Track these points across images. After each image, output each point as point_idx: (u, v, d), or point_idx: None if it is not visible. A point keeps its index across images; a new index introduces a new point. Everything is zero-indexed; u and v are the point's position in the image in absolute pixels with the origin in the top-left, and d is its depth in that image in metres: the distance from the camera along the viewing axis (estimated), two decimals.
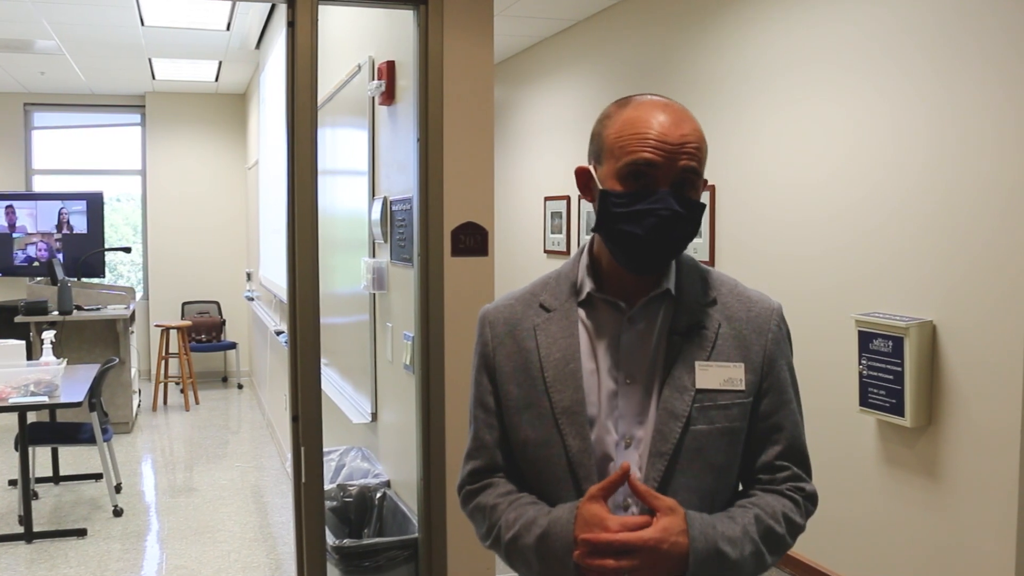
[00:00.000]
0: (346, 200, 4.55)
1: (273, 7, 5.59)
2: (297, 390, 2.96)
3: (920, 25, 3.18)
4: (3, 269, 8.76)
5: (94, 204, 8.95)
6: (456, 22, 2.99)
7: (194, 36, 6.57)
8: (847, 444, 3.52)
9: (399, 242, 3.44)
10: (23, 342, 5.17)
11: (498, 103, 7.18)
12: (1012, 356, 2.85)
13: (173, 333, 8.43)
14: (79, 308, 6.94)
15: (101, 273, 8.88)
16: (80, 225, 8.92)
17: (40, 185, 9.36)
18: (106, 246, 8.99)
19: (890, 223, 3.31)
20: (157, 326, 8.65)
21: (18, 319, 6.70)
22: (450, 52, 2.99)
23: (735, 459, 1.38)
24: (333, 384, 4.67)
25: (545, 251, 6.53)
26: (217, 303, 9.54)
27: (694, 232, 1.35)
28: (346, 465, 4.04)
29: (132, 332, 7.48)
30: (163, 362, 8.26)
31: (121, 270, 10.09)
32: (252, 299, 8.30)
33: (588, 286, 1.40)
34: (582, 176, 1.41)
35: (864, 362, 3.31)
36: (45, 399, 4.70)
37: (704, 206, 1.36)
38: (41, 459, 5.59)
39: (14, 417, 4.85)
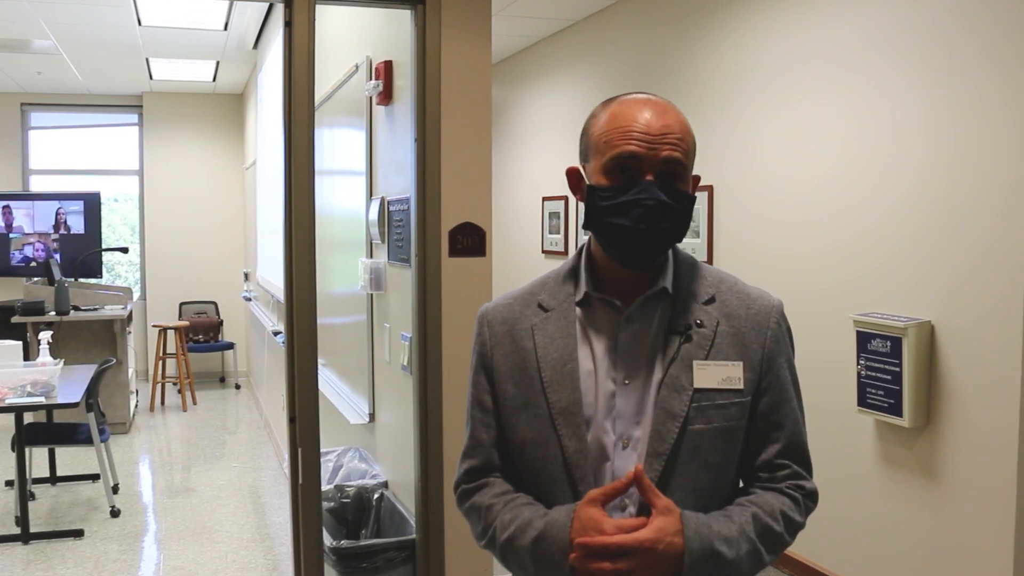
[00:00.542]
0: (343, 200, 4.54)
1: (270, 7, 5.58)
2: (294, 391, 2.95)
3: (919, 25, 3.17)
4: (0, 269, 8.74)
5: (91, 204, 8.94)
6: (454, 22, 2.98)
7: (191, 36, 6.56)
8: (845, 444, 3.52)
9: (396, 242, 3.43)
10: (20, 342, 5.15)
11: (496, 103, 7.18)
12: (1010, 356, 2.85)
13: (171, 333, 8.42)
14: (76, 308, 6.93)
15: (98, 273, 8.87)
16: (77, 225, 8.91)
17: (37, 185, 9.34)
18: (103, 246, 8.97)
19: (889, 223, 3.31)
20: (155, 326, 8.63)
21: (15, 319, 6.68)
22: (448, 52, 2.98)
23: (733, 458, 1.38)
24: (331, 385, 4.66)
25: (543, 251, 6.52)
26: (215, 303, 9.53)
27: (684, 225, 1.35)
28: (344, 466, 4.03)
29: (129, 332, 7.47)
30: (160, 362, 8.25)
31: (118, 270, 10.07)
32: (249, 299, 8.29)
33: (585, 286, 1.40)
34: (573, 176, 1.43)
35: (862, 362, 3.31)
36: (42, 400, 4.69)
37: (694, 199, 1.36)
38: (38, 460, 5.57)
39: (11, 418, 4.84)
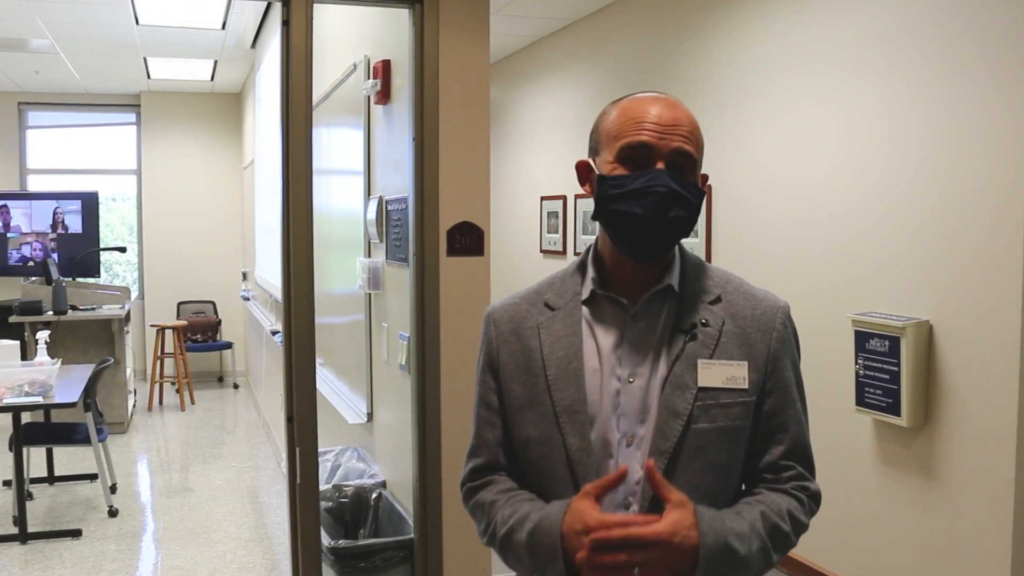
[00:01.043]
0: (341, 199, 4.54)
1: (268, 6, 5.58)
2: (292, 390, 2.95)
3: (918, 25, 3.18)
4: None
5: (89, 204, 8.93)
6: (452, 21, 2.98)
7: (189, 35, 6.56)
8: (843, 444, 3.52)
9: (395, 242, 3.43)
10: (17, 342, 5.15)
11: (494, 102, 7.18)
12: (1008, 355, 2.85)
13: (169, 333, 8.41)
14: (74, 308, 6.92)
15: (96, 273, 8.86)
16: (75, 225, 8.90)
17: (35, 184, 9.33)
18: (101, 246, 8.97)
19: (887, 223, 3.31)
20: (152, 326, 8.63)
21: (12, 319, 6.67)
22: (446, 51, 2.98)
23: (737, 458, 1.38)
24: (329, 384, 4.66)
25: (541, 251, 6.52)
26: (213, 303, 9.52)
27: (694, 217, 1.36)
28: (342, 465, 4.03)
29: (127, 332, 7.46)
30: (159, 362, 8.24)
31: (116, 270, 10.06)
32: (248, 299, 8.29)
33: (592, 284, 1.41)
34: (582, 169, 1.44)
35: (860, 362, 3.31)
36: (40, 399, 4.69)
37: (703, 193, 1.38)
38: (36, 459, 5.57)
39: (8, 417, 4.83)
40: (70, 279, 7.41)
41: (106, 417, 6.24)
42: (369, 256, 3.89)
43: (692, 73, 4.52)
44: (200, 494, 5.53)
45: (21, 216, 8.81)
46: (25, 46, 6.84)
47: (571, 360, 1.37)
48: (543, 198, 6.46)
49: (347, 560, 3.15)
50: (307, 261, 2.92)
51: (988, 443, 2.93)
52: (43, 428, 5.38)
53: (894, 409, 3.19)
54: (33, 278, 7.71)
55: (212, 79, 8.59)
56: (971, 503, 3.00)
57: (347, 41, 4.34)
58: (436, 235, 3.01)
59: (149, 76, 8.34)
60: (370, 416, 3.94)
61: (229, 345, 9.21)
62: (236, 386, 9.15)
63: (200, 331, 9.17)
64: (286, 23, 2.87)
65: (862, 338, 3.29)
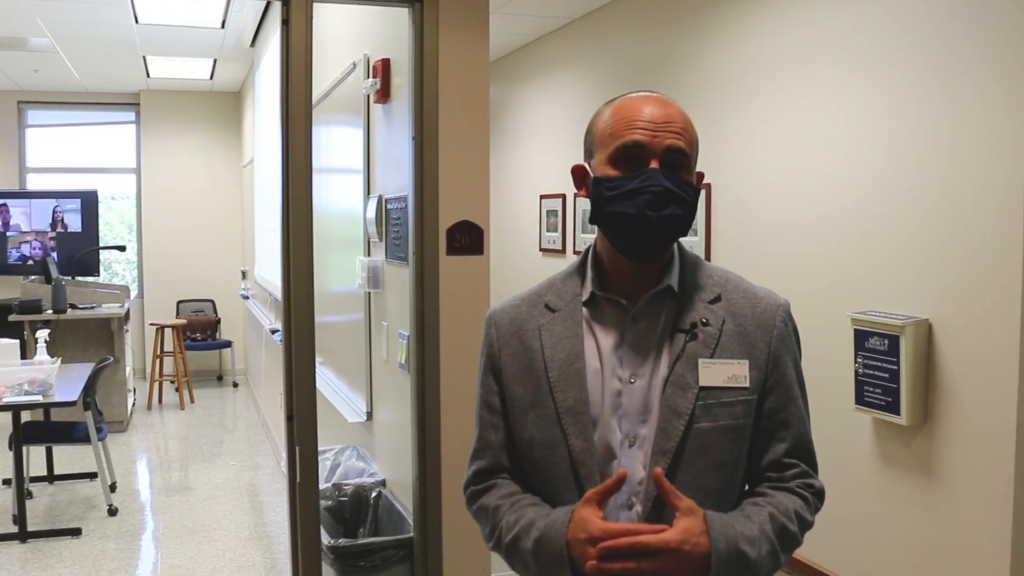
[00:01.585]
0: (341, 198, 4.54)
1: (268, 5, 5.57)
2: (292, 389, 2.95)
3: (916, 24, 3.18)
4: None
5: (88, 202, 8.93)
6: (451, 20, 2.98)
7: (189, 34, 6.55)
8: (843, 443, 3.52)
9: (394, 240, 3.43)
10: (17, 341, 5.15)
11: (493, 101, 7.17)
12: (1008, 354, 2.85)
13: (168, 331, 8.41)
14: (73, 307, 6.92)
15: (96, 271, 8.86)
16: (74, 223, 8.89)
17: (34, 183, 9.33)
18: (101, 244, 8.96)
19: (886, 221, 3.31)
20: (152, 324, 8.63)
21: (12, 318, 6.67)
22: (445, 50, 2.98)
23: (740, 457, 1.38)
24: (328, 383, 4.66)
25: (541, 249, 6.52)
26: (212, 301, 9.52)
27: (690, 215, 1.36)
28: (341, 464, 4.03)
29: (127, 331, 7.46)
30: (158, 361, 8.24)
31: (116, 268, 10.06)
32: (247, 297, 8.28)
33: (591, 285, 1.41)
34: (577, 173, 1.44)
35: (860, 360, 3.31)
36: (39, 398, 4.69)
37: (699, 190, 1.38)
38: (35, 458, 5.57)
39: (8, 416, 4.83)
40: (69, 278, 7.41)
41: (106, 416, 6.24)
42: (369, 255, 3.89)
43: (692, 72, 4.52)
44: (200, 493, 5.53)
45: (20, 215, 8.81)
46: (24, 45, 6.84)
47: (573, 361, 1.38)
48: (542, 197, 6.46)
49: (347, 559, 3.15)
50: (307, 260, 2.92)
51: (988, 442, 2.93)
52: (43, 427, 5.39)
53: (893, 408, 3.19)
54: (32, 277, 7.71)
55: (211, 78, 8.59)
56: (971, 502, 3.00)
57: (346, 40, 4.34)
58: (436, 234, 3.01)
59: (148, 75, 8.33)
60: (370, 415, 3.94)
61: (228, 344, 9.21)
62: (235, 385, 9.15)
63: (199, 330, 9.17)
64: (286, 22, 2.86)
65: (861, 337, 3.29)
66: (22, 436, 4.79)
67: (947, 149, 3.05)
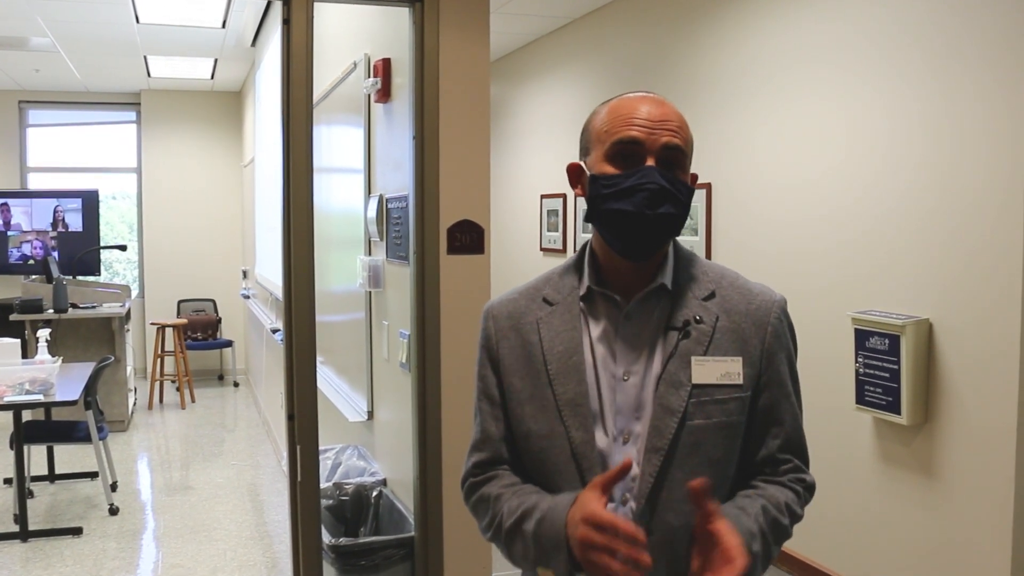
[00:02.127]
0: (342, 198, 4.54)
1: (268, 5, 5.57)
2: (293, 388, 2.95)
3: (916, 24, 3.18)
4: None
5: (89, 202, 8.93)
6: (452, 20, 2.98)
7: (189, 33, 6.56)
8: (843, 442, 3.52)
9: (395, 240, 3.43)
10: (18, 340, 5.15)
11: (494, 101, 7.18)
12: (1008, 354, 2.85)
13: (169, 331, 8.42)
14: (74, 306, 6.92)
15: (97, 271, 8.86)
16: (75, 223, 8.90)
17: (35, 183, 9.33)
18: (102, 244, 8.97)
19: (887, 221, 3.31)
20: (153, 324, 8.63)
21: (13, 317, 6.68)
22: (446, 50, 2.98)
23: (733, 453, 1.39)
24: (329, 382, 4.66)
25: (541, 249, 6.53)
26: (213, 301, 9.52)
27: (683, 216, 1.36)
28: (342, 463, 4.03)
29: (128, 330, 7.47)
30: (159, 360, 8.24)
31: (117, 268, 10.07)
32: (248, 297, 8.29)
33: (588, 281, 1.41)
34: (573, 171, 1.45)
35: (861, 360, 3.32)
36: (40, 397, 4.69)
37: (692, 190, 1.38)
38: (36, 457, 5.57)
39: (9, 415, 4.83)
40: (70, 277, 7.41)
41: (107, 415, 6.24)
42: (369, 254, 3.90)
43: (692, 72, 4.52)
44: (200, 492, 5.53)
45: (22, 214, 8.82)
46: (25, 44, 6.84)
47: (572, 354, 1.38)
48: (543, 196, 6.47)
49: (348, 558, 3.16)
50: (308, 259, 2.92)
51: (988, 441, 2.93)
52: (44, 426, 5.39)
53: (894, 407, 3.19)
54: (34, 276, 7.71)
55: (212, 77, 8.59)
56: (971, 501, 3.00)
57: (347, 39, 4.35)
58: (436, 233, 3.01)
59: (149, 74, 8.34)
60: (370, 414, 3.94)
61: (229, 343, 9.21)
62: (236, 384, 9.16)
63: (200, 329, 9.17)
64: (286, 22, 2.87)
65: (862, 336, 3.30)
66: (23, 435, 4.79)
67: (947, 149, 3.06)
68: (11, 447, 4.77)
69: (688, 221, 4.45)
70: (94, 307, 7.00)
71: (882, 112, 3.33)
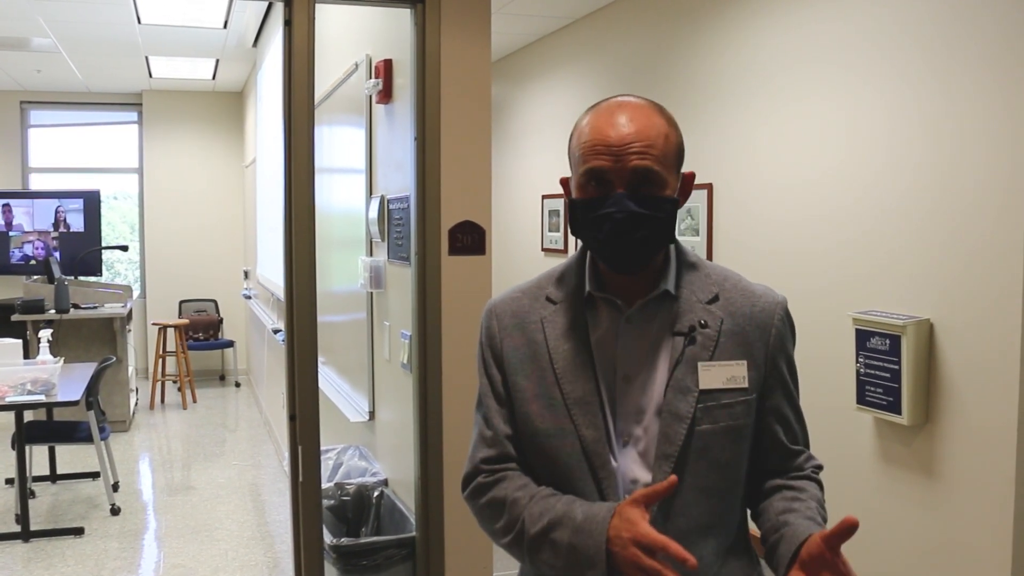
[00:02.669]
0: (343, 198, 4.55)
1: (270, 6, 5.58)
2: (294, 389, 2.95)
3: (916, 24, 3.18)
4: (0, 267, 8.74)
5: (91, 202, 8.94)
6: (453, 20, 2.98)
7: (191, 34, 6.56)
8: (844, 442, 3.52)
9: (396, 240, 3.44)
10: (20, 341, 5.15)
11: (495, 101, 7.18)
12: (1009, 354, 2.85)
13: (170, 331, 8.42)
14: (76, 306, 6.93)
15: (98, 271, 8.87)
16: (77, 223, 8.91)
17: (37, 183, 9.34)
18: (103, 244, 8.97)
19: (888, 221, 3.31)
20: (154, 324, 8.64)
21: (15, 318, 6.68)
22: (447, 50, 2.98)
23: (741, 456, 1.39)
24: (331, 383, 4.67)
25: (543, 249, 6.53)
26: (214, 301, 9.53)
27: (665, 231, 1.35)
28: (344, 464, 4.04)
29: (129, 330, 7.48)
30: (160, 360, 8.25)
31: (118, 268, 10.08)
32: (249, 297, 8.30)
33: (588, 284, 1.41)
34: (565, 186, 1.45)
35: (861, 360, 3.32)
36: (42, 398, 4.70)
37: (674, 201, 1.35)
38: (38, 458, 5.58)
39: (11, 416, 4.84)
40: (72, 278, 7.42)
41: (108, 415, 6.24)
42: (371, 255, 3.90)
43: (693, 72, 4.53)
44: (202, 492, 5.54)
45: (23, 215, 8.83)
46: (27, 45, 6.85)
47: (578, 352, 1.38)
48: (544, 197, 6.47)
49: (349, 558, 3.16)
50: (309, 260, 2.92)
51: (989, 441, 2.93)
52: (45, 426, 5.40)
53: (895, 407, 3.19)
54: (35, 277, 7.72)
55: (214, 78, 8.60)
56: (972, 501, 3.00)
57: (349, 40, 4.35)
58: (438, 234, 3.02)
59: (151, 75, 8.34)
60: (372, 414, 3.95)
61: (231, 343, 9.22)
62: (238, 384, 9.17)
63: (202, 329, 9.18)
64: (288, 22, 2.87)
65: (863, 336, 3.30)
66: (25, 436, 4.80)
67: (948, 149, 3.06)
68: (13, 447, 4.78)
69: (689, 221, 4.45)
70: (96, 307, 7.00)
71: (882, 112, 3.33)
